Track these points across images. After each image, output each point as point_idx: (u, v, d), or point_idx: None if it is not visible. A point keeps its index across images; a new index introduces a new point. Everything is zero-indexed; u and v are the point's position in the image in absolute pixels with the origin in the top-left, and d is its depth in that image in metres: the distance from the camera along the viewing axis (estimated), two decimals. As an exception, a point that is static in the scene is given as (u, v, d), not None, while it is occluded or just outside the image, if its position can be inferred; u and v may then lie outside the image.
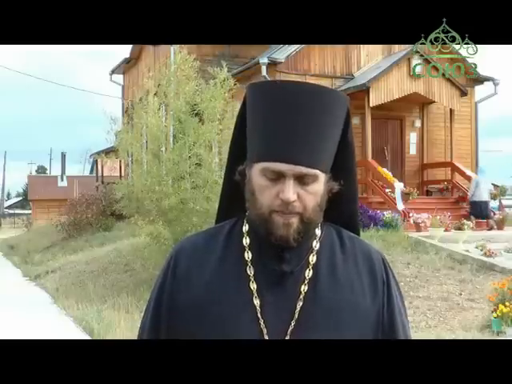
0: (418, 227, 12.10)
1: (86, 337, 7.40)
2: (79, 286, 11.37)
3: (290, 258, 1.20)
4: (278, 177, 1.15)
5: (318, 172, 1.17)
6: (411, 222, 12.36)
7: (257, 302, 1.19)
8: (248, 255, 1.23)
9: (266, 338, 1.17)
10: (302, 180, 1.16)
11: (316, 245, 1.25)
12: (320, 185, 1.19)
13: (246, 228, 1.26)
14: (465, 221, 11.74)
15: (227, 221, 1.30)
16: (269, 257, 1.21)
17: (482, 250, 10.24)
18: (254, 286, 1.20)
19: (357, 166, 1.36)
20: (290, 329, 1.18)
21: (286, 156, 1.15)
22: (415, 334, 6.86)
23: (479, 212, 13.45)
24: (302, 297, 1.20)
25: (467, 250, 10.33)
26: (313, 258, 1.23)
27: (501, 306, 6.81)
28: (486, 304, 7.67)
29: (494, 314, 6.88)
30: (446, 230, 11.48)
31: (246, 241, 1.25)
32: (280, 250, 1.19)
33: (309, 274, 1.22)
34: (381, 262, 1.29)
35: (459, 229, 11.29)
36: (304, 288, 1.20)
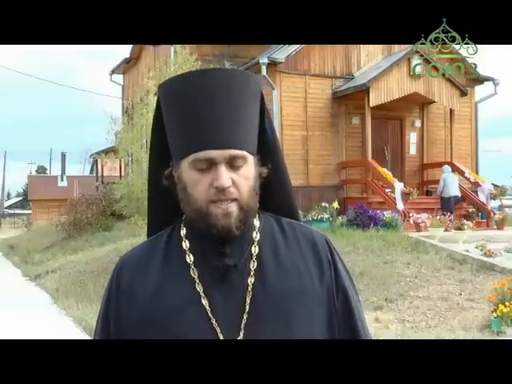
0: (418, 227, 12.11)
1: (86, 337, 7.40)
2: (79, 286, 11.36)
3: (231, 252, 1.19)
4: (208, 165, 1.15)
5: (246, 154, 1.17)
6: (411, 221, 12.37)
7: (205, 302, 1.18)
8: (190, 258, 1.22)
9: (220, 336, 1.16)
10: (232, 164, 1.15)
11: (256, 235, 1.24)
12: (250, 168, 1.18)
13: (183, 232, 1.25)
14: (465, 221, 11.76)
15: (164, 230, 1.29)
16: (210, 255, 1.20)
17: (481, 250, 10.25)
18: (199, 287, 1.19)
19: (281, 153, 1.35)
20: (243, 322, 1.17)
21: (213, 142, 1.14)
22: (415, 334, 6.86)
23: (448, 207, 13.74)
24: (250, 289, 1.19)
25: (467, 250, 10.34)
26: (255, 249, 1.22)
27: (501, 306, 6.82)
28: (486, 304, 7.68)
29: (494, 314, 6.88)
30: (446, 230, 11.49)
31: (185, 244, 1.23)
32: (220, 246, 1.18)
33: (253, 265, 1.21)
34: (324, 242, 1.28)
35: (459, 229, 11.30)
36: (251, 280, 1.20)
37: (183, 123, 1.18)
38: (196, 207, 1.16)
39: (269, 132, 1.29)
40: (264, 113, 1.27)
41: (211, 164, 1.15)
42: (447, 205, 13.83)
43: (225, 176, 1.13)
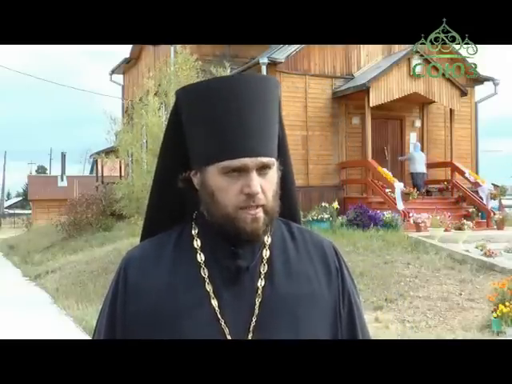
0: (418, 227, 12.11)
1: (86, 337, 7.40)
2: (79, 286, 11.36)
3: (243, 254, 1.20)
4: (240, 172, 1.15)
5: (274, 160, 1.19)
6: (411, 222, 12.37)
7: (215, 302, 1.18)
8: (201, 257, 1.22)
9: (229, 337, 1.16)
10: (261, 170, 1.16)
11: (268, 239, 1.25)
12: (274, 172, 1.20)
13: (195, 231, 1.25)
14: (465, 221, 11.75)
15: (173, 229, 1.28)
16: (222, 255, 1.20)
17: (482, 250, 10.24)
18: (209, 287, 1.19)
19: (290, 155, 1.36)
20: (252, 325, 1.17)
21: (246, 149, 1.15)
22: (415, 334, 6.86)
23: (417, 181, 14.86)
24: (259, 292, 1.19)
25: (467, 250, 10.33)
26: (266, 253, 1.24)
27: (501, 306, 6.81)
28: (486, 304, 7.67)
29: (494, 314, 6.88)
30: (446, 230, 11.49)
31: (196, 243, 1.24)
32: (233, 247, 1.19)
33: (264, 268, 1.22)
34: (332, 250, 1.30)
35: (459, 229, 11.29)
36: (261, 283, 1.20)
37: (211, 129, 1.17)
38: (224, 213, 1.16)
39: (282, 133, 1.30)
40: (280, 113, 1.29)
41: (242, 171, 1.15)
42: (415, 180, 14.88)
43: (256, 183, 1.15)
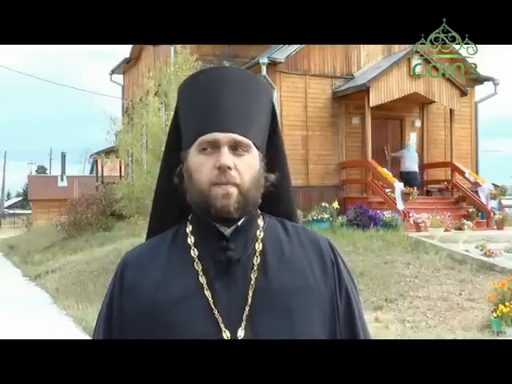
0: (418, 227, 12.11)
1: (86, 337, 7.40)
2: (79, 286, 11.36)
3: (235, 247, 1.22)
4: (213, 148, 1.19)
5: (250, 142, 1.21)
6: (411, 222, 12.37)
7: (208, 293, 1.20)
8: (194, 252, 1.25)
9: (222, 326, 1.18)
10: (236, 149, 1.19)
11: (260, 234, 1.27)
12: (255, 158, 1.22)
13: (189, 229, 1.28)
14: (465, 221, 11.75)
15: (169, 229, 1.32)
16: (214, 250, 1.22)
17: (482, 250, 10.24)
18: (203, 279, 1.21)
19: (287, 165, 1.39)
20: (245, 314, 1.19)
21: (219, 125, 1.19)
22: (415, 334, 6.86)
23: (408, 181, 14.54)
24: (252, 282, 1.21)
25: (467, 250, 10.33)
26: (259, 246, 1.25)
27: (501, 306, 6.82)
28: (486, 304, 7.68)
29: (494, 314, 6.88)
30: (446, 230, 11.48)
31: (190, 240, 1.27)
32: (225, 241, 1.22)
33: (257, 260, 1.23)
34: (328, 246, 1.31)
35: (459, 229, 11.29)
36: (254, 274, 1.22)
37: (194, 111, 1.23)
38: (199, 190, 1.19)
39: (279, 137, 1.34)
40: (275, 119, 1.32)
41: (215, 147, 1.19)
42: (406, 180, 14.56)
43: (226, 156, 1.17)
